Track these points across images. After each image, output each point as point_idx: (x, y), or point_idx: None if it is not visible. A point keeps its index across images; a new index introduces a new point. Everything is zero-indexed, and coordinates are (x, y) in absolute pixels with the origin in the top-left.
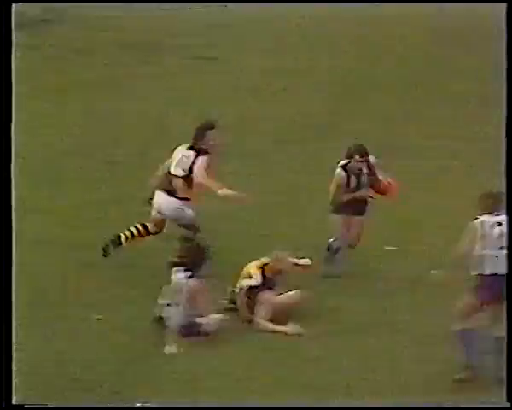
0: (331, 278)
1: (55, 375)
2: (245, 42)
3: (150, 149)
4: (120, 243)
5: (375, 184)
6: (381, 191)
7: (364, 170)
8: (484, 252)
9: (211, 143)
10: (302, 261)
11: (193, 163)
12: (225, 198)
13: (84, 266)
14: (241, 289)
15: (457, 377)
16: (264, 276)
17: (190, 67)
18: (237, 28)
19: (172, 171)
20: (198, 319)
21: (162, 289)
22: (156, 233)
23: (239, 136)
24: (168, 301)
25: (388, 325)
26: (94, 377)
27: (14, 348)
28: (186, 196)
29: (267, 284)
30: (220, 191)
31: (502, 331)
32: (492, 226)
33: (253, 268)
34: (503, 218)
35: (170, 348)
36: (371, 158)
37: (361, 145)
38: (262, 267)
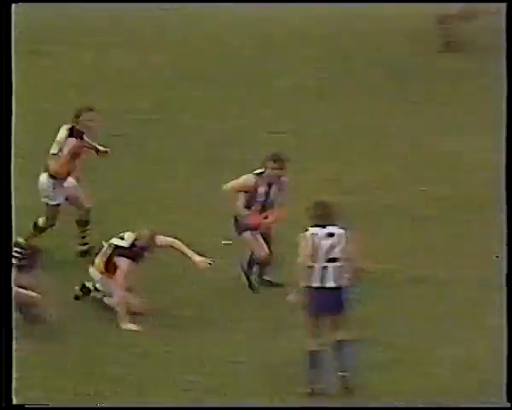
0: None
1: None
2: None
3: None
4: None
5: (278, 206)
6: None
7: (275, 186)
8: (313, 264)
9: (87, 124)
10: (197, 259)
11: (64, 143)
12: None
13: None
14: (109, 245)
15: (307, 390)
16: (133, 244)
17: None
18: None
19: (51, 150)
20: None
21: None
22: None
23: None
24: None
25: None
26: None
27: (14, 348)
28: (54, 175)
29: (133, 253)
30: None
31: (344, 335)
32: (323, 238)
33: (128, 233)
34: (334, 229)
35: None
36: (283, 179)
37: (276, 153)
38: (136, 237)
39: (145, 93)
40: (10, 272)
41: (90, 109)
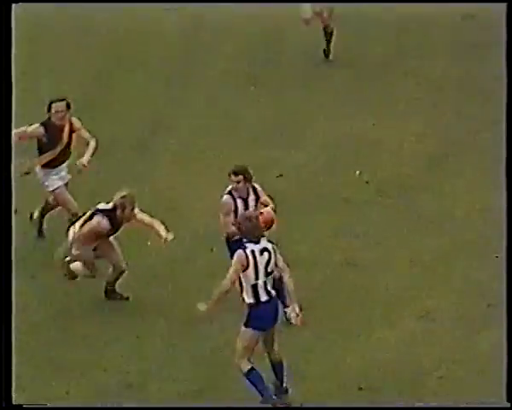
0: None
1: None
2: None
3: None
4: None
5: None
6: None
7: (252, 195)
8: (257, 281)
9: (56, 114)
10: (163, 233)
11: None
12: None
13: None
14: (93, 209)
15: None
16: (115, 206)
17: None
18: None
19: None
20: None
21: None
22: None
23: None
24: None
25: None
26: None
27: (14, 348)
28: (38, 161)
29: (113, 214)
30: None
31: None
32: (260, 253)
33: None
34: (265, 243)
35: None
36: (256, 185)
37: (240, 166)
38: (119, 198)
39: None
40: (10, 273)
41: (59, 100)
